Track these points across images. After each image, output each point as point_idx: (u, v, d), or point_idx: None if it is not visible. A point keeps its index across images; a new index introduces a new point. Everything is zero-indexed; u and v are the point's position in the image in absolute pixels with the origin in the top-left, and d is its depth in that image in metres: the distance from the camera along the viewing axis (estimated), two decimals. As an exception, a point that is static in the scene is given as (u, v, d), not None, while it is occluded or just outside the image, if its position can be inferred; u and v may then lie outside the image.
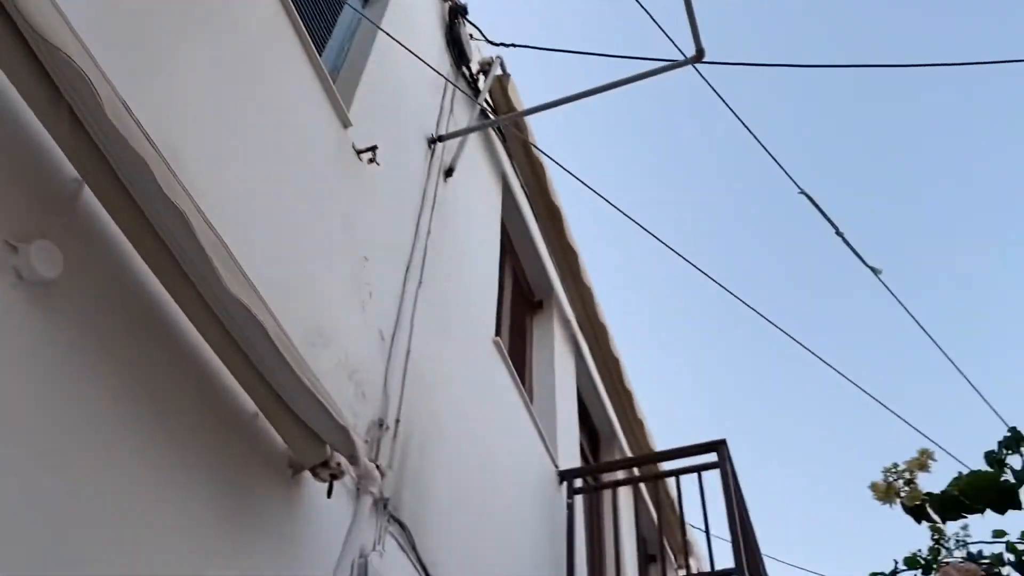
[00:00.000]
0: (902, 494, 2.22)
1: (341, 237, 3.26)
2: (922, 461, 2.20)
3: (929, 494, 2.19)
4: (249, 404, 2.31)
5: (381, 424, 3.13)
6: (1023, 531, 2.19)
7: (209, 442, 2.18)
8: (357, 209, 3.45)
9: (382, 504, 2.90)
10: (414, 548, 3.10)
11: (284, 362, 2.13)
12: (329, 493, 2.54)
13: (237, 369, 2.19)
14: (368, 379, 3.14)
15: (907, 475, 2.20)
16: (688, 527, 6.49)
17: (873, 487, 2.25)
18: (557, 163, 5.00)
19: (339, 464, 2.47)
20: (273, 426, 2.35)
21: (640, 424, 8.13)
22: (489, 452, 4.27)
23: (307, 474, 2.50)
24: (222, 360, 2.18)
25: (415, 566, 3.09)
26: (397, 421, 3.25)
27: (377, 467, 2.82)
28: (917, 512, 2.21)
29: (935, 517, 2.21)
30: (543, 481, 5.05)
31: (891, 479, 2.23)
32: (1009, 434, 2.24)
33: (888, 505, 2.21)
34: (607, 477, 6.29)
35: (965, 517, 2.19)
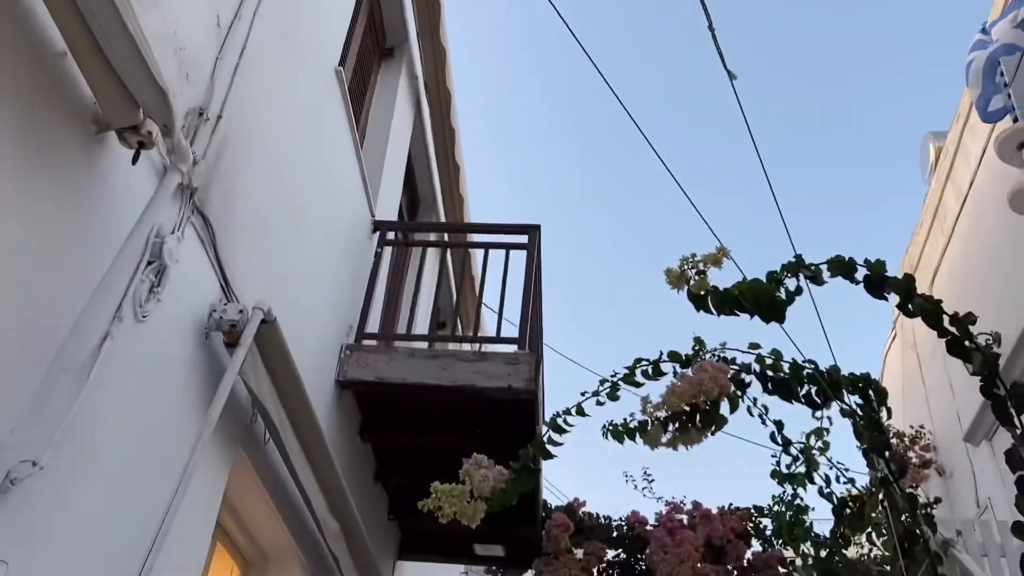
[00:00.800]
0: (691, 283, 2.37)
1: None
2: (717, 257, 2.36)
3: (714, 288, 2.37)
4: (58, 39, 2.07)
5: (201, 113, 2.93)
6: (773, 348, 2.47)
7: (4, 75, 1.94)
8: None
9: (188, 192, 2.76)
10: (214, 246, 3.02)
11: (106, -4, 1.89)
12: (135, 160, 2.38)
13: (49, -8, 1.92)
14: (195, 62, 2.90)
15: (700, 266, 2.35)
16: (483, 305, 6.79)
17: (667, 272, 2.39)
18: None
19: (150, 133, 2.30)
20: (82, 72, 2.13)
21: (461, 200, 8.22)
22: (309, 178, 4.16)
23: (112, 136, 2.32)
24: (32, -23, 1.91)
25: (212, 263, 3.02)
26: (219, 117, 3.05)
27: (192, 153, 2.66)
28: (699, 301, 2.39)
29: (713, 310, 2.41)
30: (356, 225, 5.04)
31: (685, 267, 2.37)
32: (793, 260, 2.45)
33: (677, 291, 2.38)
34: (419, 238, 6.37)
35: (737, 315, 2.41)
